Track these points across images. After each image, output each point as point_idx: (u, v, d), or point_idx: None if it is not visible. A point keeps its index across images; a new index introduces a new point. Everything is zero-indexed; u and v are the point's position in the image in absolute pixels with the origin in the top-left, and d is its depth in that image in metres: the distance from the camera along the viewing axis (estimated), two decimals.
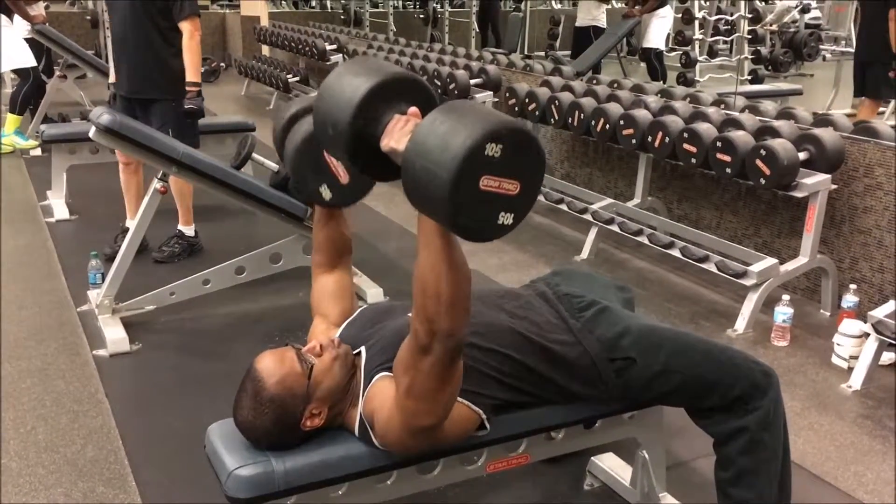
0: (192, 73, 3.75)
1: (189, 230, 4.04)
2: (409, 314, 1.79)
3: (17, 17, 6.20)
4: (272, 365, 1.62)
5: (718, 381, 1.79)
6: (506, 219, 1.30)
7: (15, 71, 6.42)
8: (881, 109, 6.43)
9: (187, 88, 3.75)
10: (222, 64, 10.46)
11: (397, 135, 1.37)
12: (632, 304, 2.22)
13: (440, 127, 1.27)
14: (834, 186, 3.41)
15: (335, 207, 1.93)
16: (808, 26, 7.91)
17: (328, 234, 1.97)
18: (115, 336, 3.09)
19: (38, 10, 6.48)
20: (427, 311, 1.41)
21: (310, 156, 1.82)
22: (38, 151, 6.06)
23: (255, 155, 3.46)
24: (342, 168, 1.85)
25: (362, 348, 1.73)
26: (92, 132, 3.04)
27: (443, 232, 1.35)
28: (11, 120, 6.23)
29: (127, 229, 3.88)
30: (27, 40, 6.28)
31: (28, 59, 6.22)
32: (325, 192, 1.84)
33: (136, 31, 3.75)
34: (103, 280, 3.29)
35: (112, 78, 3.98)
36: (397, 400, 1.52)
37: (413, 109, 1.42)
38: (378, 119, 1.42)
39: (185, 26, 3.71)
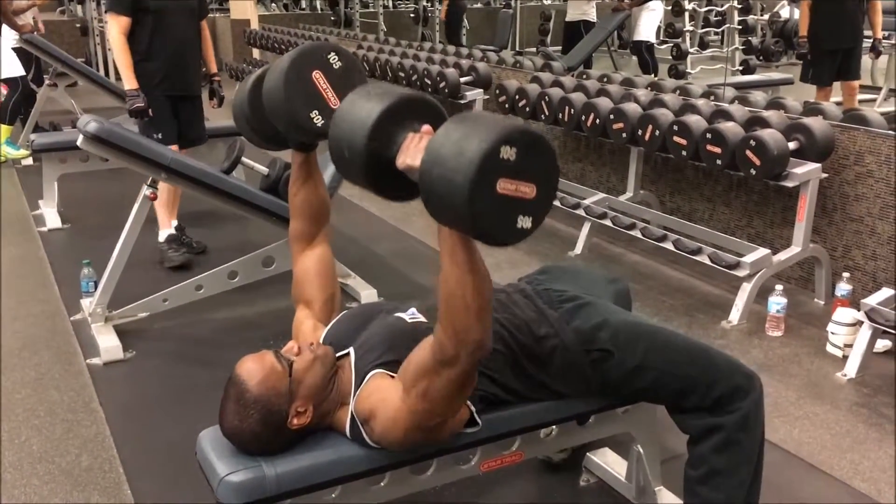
0: (214, 65, 4.43)
1: (169, 230, 4.09)
2: (398, 314, 1.79)
3: (4, 27, 6.18)
4: (252, 367, 1.62)
5: (697, 379, 1.77)
6: (524, 222, 1.31)
7: (4, 80, 6.41)
8: (873, 97, 6.48)
9: (216, 79, 4.36)
10: None
11: (412, 151, 1.40)
12: (626, 296, 2.20)
13: (453, 135, 1.30)
14: (825, 175, 3.41)
15: (326, 136, 1.81)
16: None
17: (305, 196, 1.94)
18: (108, 344, 3.08)
19: (25, 19, 6.46)
20: (456, 323, 1.41)
21: (297, 83, 1.78)
22: (29, 161, 6.05)
23: (244, 159, 3.45)
24: (332, 92, 1.82)
25: (350, 349, 1.73)
26: (80, 140, 3.03)
27: (465, 242, 1.36)
28: (2, 130, 6.22)
29: (182, 227, 4.14)
30: (15, 50, 6.27)
31: (16, 69, 6.20)
32: (317, 118, 1.80)
33: (195, 32, 4.12)
34: (96, 288, 3.29)
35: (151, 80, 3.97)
36: (408, 402, 1.52)
37: (426, 127, 1.45)
38: (392, 139, 1.45)
39: (204, 24, 4.22)
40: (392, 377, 1.62)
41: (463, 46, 7.34)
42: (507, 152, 1.26)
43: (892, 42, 6.89)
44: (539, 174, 1.31)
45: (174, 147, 3.98)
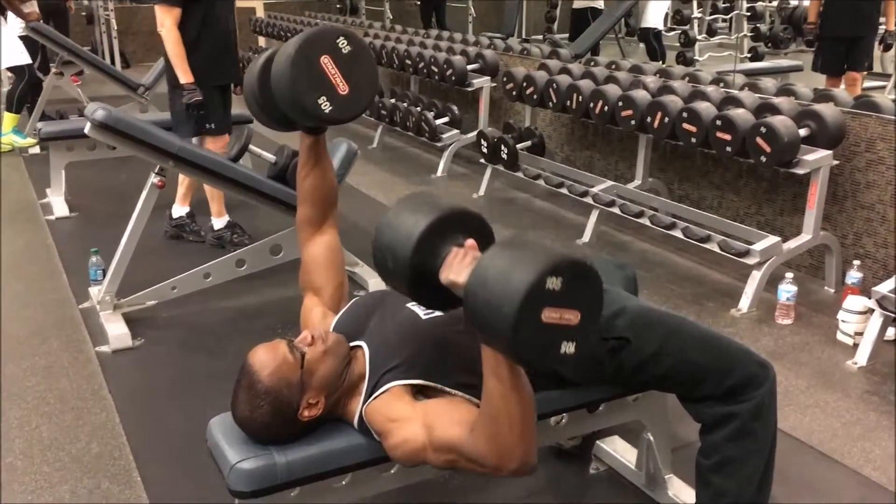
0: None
1: (226, 218, 4.11)
2: (410, 304, 1.77)
3: (11, 15, 6.17)
4: (264, 357, 1.61)
5: (711, 367, 1.76)
6: (568, 348, 1.31)
7: (10, 69, 6.40)
8: (883, 84, 6.42)
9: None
10: None
11: (457, 267, 1.41)
12: (633, 282, 2.20)
13: (500, 262, 1.31)
14: (836, 162, 3.38)
15: (334, 122, 1.83)
16: None
17: (313, 180, 1.93)
18: (117, 332, 3.09)
19: (32, 7, 6.45)
20: (500, 441, 1.39)
21: (305, 68, 1.75)
22: (36, 149, 6.05)
23: (252, 146, 3.44)
24: (340, 78, 1.79)
25: (363, 342, 1.72)
26: (87, 128, 3.02)
27: (509, 363, 1.36)
28: (9, 118, 6.22)
29: (193, 214, 4.15)
30: (22, 38, 6.26)
31: (23, 57, 6.19)
32: (325, 105, 1.77)
33: (235, 20, 4.11)
34: (104, 276, 3.29)
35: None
36: (430, 456, 1.51)
37: (470, 242, 1.46)
38: (437, 252, 1.47)
39: None
40: (411, 391, 1.60)
41: (445, 30, 7.33)
42: (553, 283, 1.26)
43: None
44: (584, 300, 1.31)
45: (226, 137, 3.99)
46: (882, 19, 5.62)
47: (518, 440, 1.39)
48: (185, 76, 3.77)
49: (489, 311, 1.28)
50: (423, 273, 1.48)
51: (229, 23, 3.99)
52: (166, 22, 3.74)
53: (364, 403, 1.63)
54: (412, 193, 1.68)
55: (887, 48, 5.67)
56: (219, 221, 4.10)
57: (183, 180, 4.04)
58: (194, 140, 3.84)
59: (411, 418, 1.54)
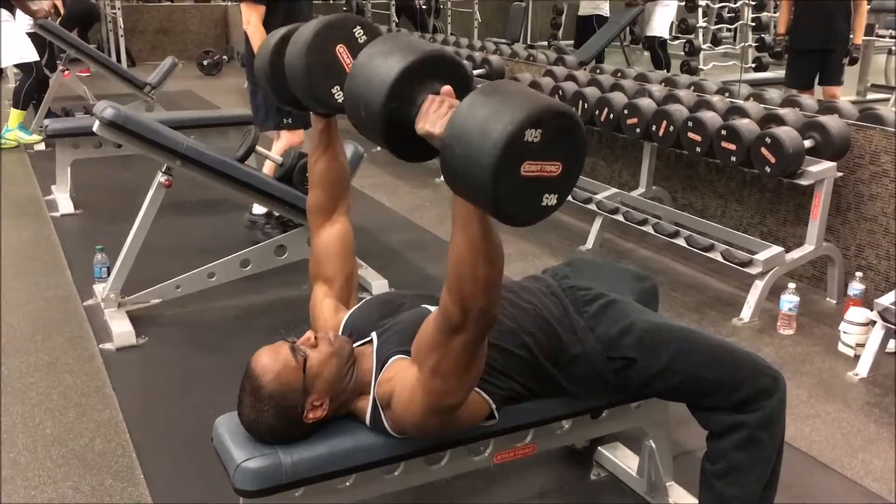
0: None
1: (261, 209, 4.11)
2: (424, 304, 1.79)
3: (19, 12, 6.19)
4: (267, 361, 1.61)
5: (721, 384, 1.76)
6: (549, 200, 1.27)
7: (18, 66, 6.42)
8: (887, 96, 6.41)
9: None
10: (224, 57, 10.44)
11: (432, 117, 1.34)
12: (654, 295, 2.17)
13: (479, 112, 1.23)
14: (840, 174, 3.40)
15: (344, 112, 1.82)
16: None
17: (325, 164, 1.91)
18: (121, 330, 3.10)
19: (40, 4, 6.47)
20: (463, 291, 1.39)
21: (320, 55, 1.73)
22: (41, 146, 6.06)
23: (258, 147, 3.45)
24: None
25: (373, 335, 1.72)
26: (96, 126, 3.04)
27: (481, 215, 1.32)
28: (15, 115, 6.23)
29: (271, 214, 4.05)
30: (29, 35, 6.28)
31: (30, 54, 6.21)
32: (338, 94, 1.75)
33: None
34: (109, 274, 3.30)
35: None
36: (421, 380, 1.50)
37: (446, 88, 1.39)
38: (412, 100, 1.38)
39: None
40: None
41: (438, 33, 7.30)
42: (533, 134, 1.20)
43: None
44: (566, 151, 1.26)
45: (301, 131, 3.99)
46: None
47: (481, 291, 1.38)
48: None
49: (466, 166, 1.23)
50: (397, 122, 1.40)
51: (309, 18, 3.99)
52: (252, 19, 3.75)
53: (373, 386, 1.64)
54: (386, 35, 1.57)
55: (853, 62, 5.35)
56: (259, 208, 4.09)
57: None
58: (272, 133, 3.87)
59: (404, 367, 1.57)
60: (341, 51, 1.76)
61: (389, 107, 1.38)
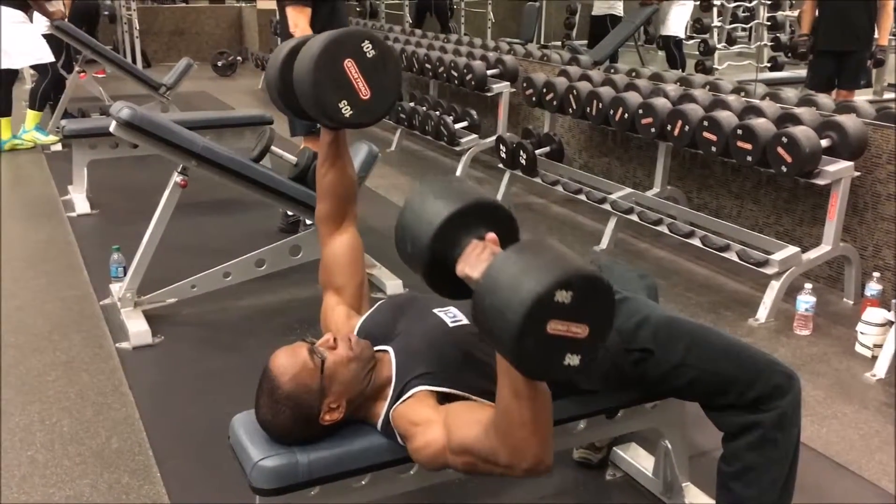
0: None
1: None
2: (435, 310, 1.78)
3: (35, 14, 6.24)
4: (285, 362, 1.61)
5: (735, 379, 1.75)
6: (572, 360, 1.28)
7: (34, 67, 6.47)
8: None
9: None
10: (239, 58, 10.49)
11: (473, 261, 1.39)
12: (654, 291, 2.20)
13: (512, 267, 1.27)
14: (857, 173, 3.37)
15: (354, 126, 1.83)
16: None
17: (333, 176, 1.92)
18: (137, 329, 3.12)
19: (56, 6, 6.52)
20: (513, 438, 1.38)
21: (328, 70, 1.74)
22: (58, 147, 6.11)
23: (273, 148, 3.46)
24: (363, 82, 1.78)
25: (390, 348, 1.72)
26: (112, 126, 3.06)
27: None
28: (31, 116, 6.29)
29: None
30: (46, 36, 6.32)
31: (46, 55, 6.26)
32: (346, 109, 1.76)
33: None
34: (125, 273, 3.32)
35: None
36: (449, 458, 1.51)
37: (491, 236, 1.45)
38: (457, 242, 1.45)
39: None
40: (436, 396, 1.60)
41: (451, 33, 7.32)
42: (563, 296, 1.23)
43: None
44: (593, 315, 1.28)
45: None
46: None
47: (531, 437, 1.37)
48: None
49: (494, 317, 1.26)
50: (440, 261, 1.47)
51: (346, 22, 4.06)
52: (300, 22, 3.72)
53: (390, 408, 1.64)
54: (441, 178, 1.64)
55: (878, 64, 5.19)
56: None
57: None
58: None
59: (434, 421, 1.55)
60: (349, 65, 1.76)
61: (434, 247, 1.46)
